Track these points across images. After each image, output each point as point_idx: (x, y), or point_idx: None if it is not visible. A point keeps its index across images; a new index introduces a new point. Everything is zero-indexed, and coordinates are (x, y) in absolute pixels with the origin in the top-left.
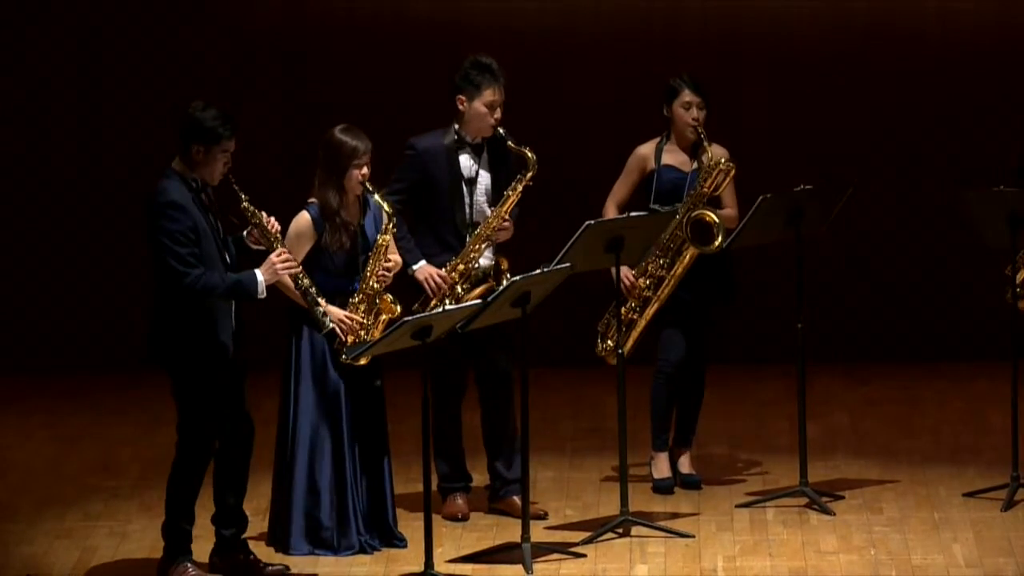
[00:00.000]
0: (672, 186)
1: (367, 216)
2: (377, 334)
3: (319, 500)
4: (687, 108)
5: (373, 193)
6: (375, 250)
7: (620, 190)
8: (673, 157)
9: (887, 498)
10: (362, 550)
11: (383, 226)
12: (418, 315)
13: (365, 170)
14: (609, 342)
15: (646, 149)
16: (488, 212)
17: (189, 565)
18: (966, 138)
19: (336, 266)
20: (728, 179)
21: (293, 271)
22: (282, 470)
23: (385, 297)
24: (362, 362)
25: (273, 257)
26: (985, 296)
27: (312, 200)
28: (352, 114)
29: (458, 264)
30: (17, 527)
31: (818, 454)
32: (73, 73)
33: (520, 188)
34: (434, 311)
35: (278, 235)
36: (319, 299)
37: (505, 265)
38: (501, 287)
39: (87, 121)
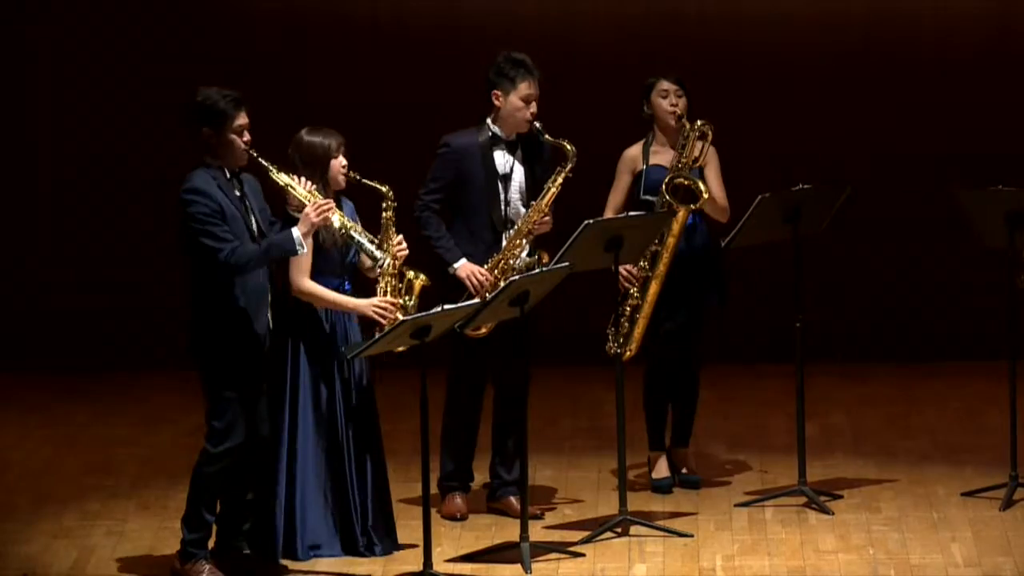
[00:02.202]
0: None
1: (345, 210)
2: (413, 306)
3: (320, 506)
4: (664, 96)
5: (358, 179)
6: (384, 229)
7: (615, 197)
8: (661, 157)
9: (885, 497)
10: (361, 552)
11: (383, 204)
12: (416, 315)
13: (344, 161)
14: (619, 340)
15: (634, 151)
16: (522, 208)
17: (206, 564)
18: (965, 138)
19: (329, 266)
20: (707, 143)
21: (328, 214)
22: (279, 479)
23: (408, 272)
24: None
25: (308, 208)
26: (984, 296)
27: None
28: (352, 114)
29: (499, 261)
30: (15, 526)
31: (816, 454)
32: (73, 73)
33: (560, 180)
34: (434, 310)
35: (313, 191)
36: (366, 239)
37: (546, 259)
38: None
39: (87, 121)
